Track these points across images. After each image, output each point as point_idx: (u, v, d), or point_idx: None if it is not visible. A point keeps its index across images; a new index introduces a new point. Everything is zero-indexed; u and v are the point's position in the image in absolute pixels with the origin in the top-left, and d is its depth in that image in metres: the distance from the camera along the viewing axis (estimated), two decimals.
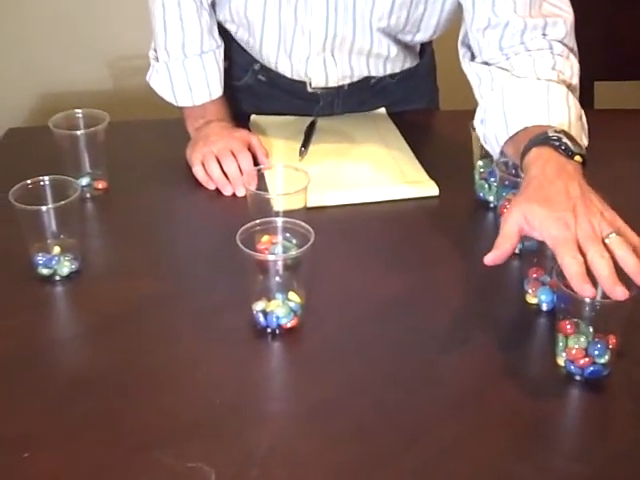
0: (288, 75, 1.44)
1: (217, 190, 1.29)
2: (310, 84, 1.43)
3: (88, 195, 1.25)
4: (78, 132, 1.24)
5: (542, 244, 0.94)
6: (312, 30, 1.34)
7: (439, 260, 1.13)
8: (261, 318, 0.97)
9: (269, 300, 0.97)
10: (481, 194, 1.24)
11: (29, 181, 1.09)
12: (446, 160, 1.34)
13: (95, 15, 2.16)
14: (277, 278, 0.97)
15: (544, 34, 1.17)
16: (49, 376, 0.93)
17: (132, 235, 1.19)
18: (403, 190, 1.26)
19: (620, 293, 0.84)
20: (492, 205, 1.22)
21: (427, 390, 0.91)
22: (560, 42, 1.17)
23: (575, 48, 1.20)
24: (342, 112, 1.50)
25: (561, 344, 0.91)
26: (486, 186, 1.23)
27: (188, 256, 1.15)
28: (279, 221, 1.02)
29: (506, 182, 1.12)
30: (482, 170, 1.23)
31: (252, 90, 1.50)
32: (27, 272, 1.08)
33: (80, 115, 1.27)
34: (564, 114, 1.08)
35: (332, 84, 1.43)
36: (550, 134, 1.01)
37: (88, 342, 1.00)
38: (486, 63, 1.20)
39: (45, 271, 1.07)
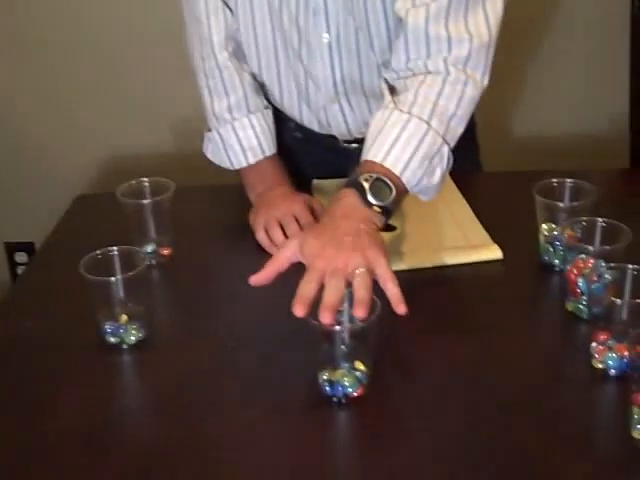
0: (316, 129, 1.46)
1: None
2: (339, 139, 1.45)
3: (153, 262, 1.27)
4: (145, 201, 1.26)
5: (611, 309, 0.95)
6: (319, 74, 1.35)
7: (505, 325, 1.12)
8: (327, 387, 0.97)
9: (335, 369, 0.97)
10: (546, 257, 1.23)
11: (98, 252, 1.11)
12: (508, 223, 1.33)
13: (155, 78, 2.21)
14: (343, 347, 0.96)
15: (449, 51, 1.18)
16: (112, 450, 0.94)
17: (196, 303, 1.20)
18: (467, 254, 1.25)
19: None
20: (557, 269, 1.21)
21: (500, 460, 0.89)
22: (459, 65, 1.18)
23: (478, 74, 1.20)
24: None
25: (636, 417, 0.88)
26: (551, 249, 1.21)
27: (251, 325, 1.16)
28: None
29: (573, 246, 1.11)
30: (547, 234, 1.22)
31: (290, 150, 1.50)
32: (95, 340, 1.09)
33: (146, 184, 1.29)
34: (406, 154, 1.13)
35: (356, 134, 1.43)
36: (360, 179, 1.10)
37: (152, 414, 1.01)
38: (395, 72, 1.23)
39: (113, 339, 1.09)
